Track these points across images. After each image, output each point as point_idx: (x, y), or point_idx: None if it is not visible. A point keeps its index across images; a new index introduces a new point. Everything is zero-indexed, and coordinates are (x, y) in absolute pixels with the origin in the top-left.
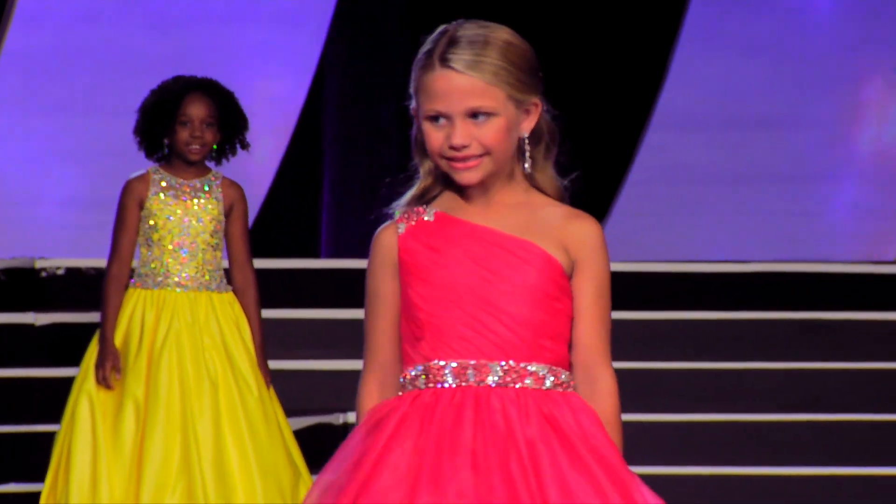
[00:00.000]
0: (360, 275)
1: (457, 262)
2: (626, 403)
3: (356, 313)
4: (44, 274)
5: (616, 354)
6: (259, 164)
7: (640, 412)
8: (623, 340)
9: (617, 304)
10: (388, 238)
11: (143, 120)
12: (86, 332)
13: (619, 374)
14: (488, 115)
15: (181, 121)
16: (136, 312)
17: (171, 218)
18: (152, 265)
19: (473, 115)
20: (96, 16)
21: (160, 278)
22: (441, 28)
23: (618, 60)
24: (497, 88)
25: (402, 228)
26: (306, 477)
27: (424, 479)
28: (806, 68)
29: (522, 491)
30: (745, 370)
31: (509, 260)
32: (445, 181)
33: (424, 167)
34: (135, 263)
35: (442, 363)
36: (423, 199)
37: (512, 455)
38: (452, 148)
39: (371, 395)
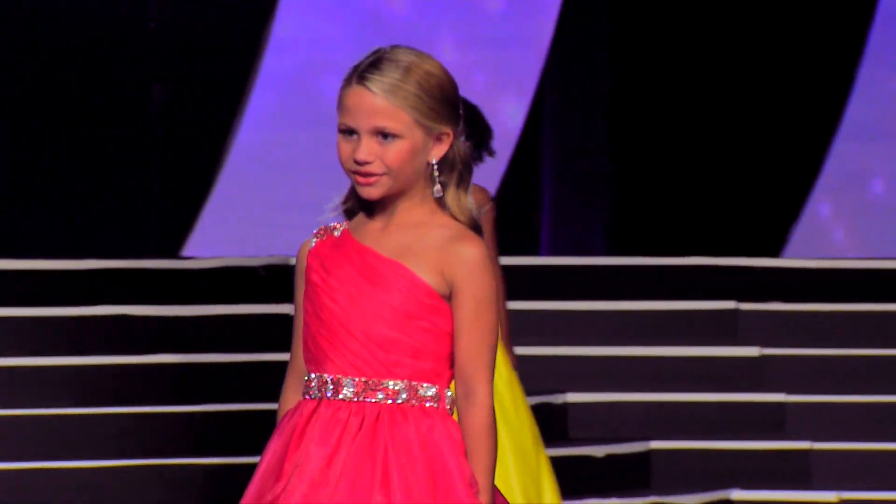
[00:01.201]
0: (576, 271)
1: (336, 284)
2: (829, 386)
3: (570, 305)
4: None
5: (809, 342)
6: (487, 170)
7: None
8: (813, 330)
9: (807, 296)
10: (302, 252)
11: None
12: None
13: (818, 360)
14: (394, 136)
15: None
16: None
17: None
18: None
19: (380, 134)
20: (342, 36)
21: None
22: (375, 49)
23: (808, 71)
24: (404, 112)
25: (313, 244)
26: (542, 448)
27: (272, 480)
28: None
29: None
30: None
31: (379, 281)
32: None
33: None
34: None
35: (313, 376)
36: (349, 212)
37: (335, 465)
38: (356, 162)
39: (286, 399)
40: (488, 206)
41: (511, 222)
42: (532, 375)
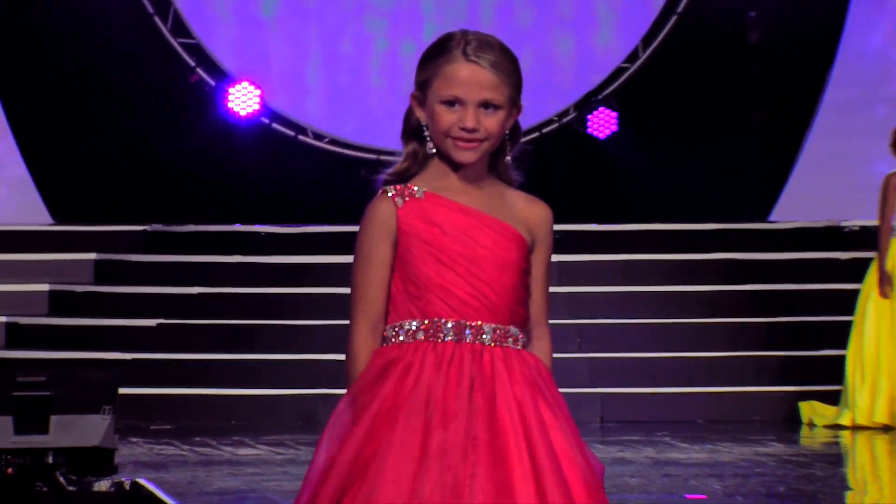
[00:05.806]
0: None
1: (453, 235)
2: None
3: None
4: (846, 230)
5: None
6: None
7: None
8: None
9: None
10: (387, 208)
11: None
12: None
13: None
14: (496, 107)
15: None
16: (892, 252)
17: None
18: None
19: (485, 105)
20: None
21: None
22: (454, 32)
23: None
24: (505, 87)
25: (400, 202)
26: None
27: (435, 420)
28: None
29: (510, 437)
30: None
31: (495, 238)
32: (423, 163)
33: (408, 148)
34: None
35: (443, 320)
36: (402, 177)
37: (501, 404)
38: (464, 129)
39: (367, 340)
40: None
41: None
42: None
